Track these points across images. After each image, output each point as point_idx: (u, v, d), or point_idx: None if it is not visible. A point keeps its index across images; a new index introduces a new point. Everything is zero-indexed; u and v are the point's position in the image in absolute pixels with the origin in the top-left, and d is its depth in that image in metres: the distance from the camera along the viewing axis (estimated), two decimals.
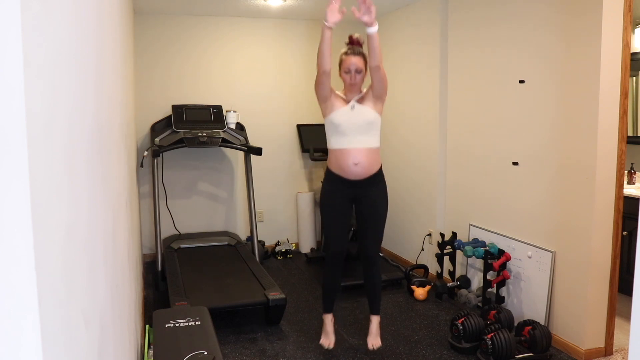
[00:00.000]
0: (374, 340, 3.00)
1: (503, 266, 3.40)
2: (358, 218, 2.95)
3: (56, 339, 0.63)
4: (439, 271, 4.06)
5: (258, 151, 4.43)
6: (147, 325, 2.77)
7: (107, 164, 1.45)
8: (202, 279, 3.70)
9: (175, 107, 4.60)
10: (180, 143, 4.28)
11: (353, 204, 2.92)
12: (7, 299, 0.51)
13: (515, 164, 3.41)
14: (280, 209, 5.28)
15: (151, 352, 2.31)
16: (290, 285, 4.23)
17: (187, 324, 2.37)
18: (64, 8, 0.80)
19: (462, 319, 3.03)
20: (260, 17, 4.97)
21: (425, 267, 4.29)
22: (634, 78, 4.16)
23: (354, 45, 2.83)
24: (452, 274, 3.94)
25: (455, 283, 3.85)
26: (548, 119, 3.13)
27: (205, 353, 2.06)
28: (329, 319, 3.04)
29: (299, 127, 5.19)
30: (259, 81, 5.09)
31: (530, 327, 2.93)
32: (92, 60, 1.16)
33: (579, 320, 2.96)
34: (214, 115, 4.65)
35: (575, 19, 2.89)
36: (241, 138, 4.61)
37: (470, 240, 3.81)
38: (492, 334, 2.81)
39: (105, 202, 1.32)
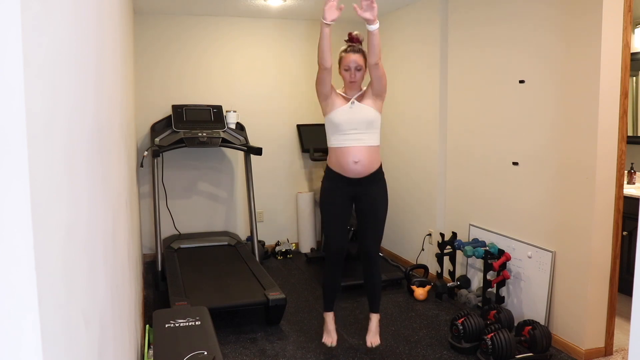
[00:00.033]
0: (373, 338, 3.00)
1: (503, 266, 3.40)
2: (358, 216, 2.95)
3: (56, 339, 0.63)
4: (439, 271, 4.06)
5: (258, 151, 4.43)
6: (147, 325, 2.77)
7: (107, 164, 1.45)
8: (202, 279, 3.70)
9: (175, 107, 4.60)
10: (180, 143, 4.28)
11: (353, 202, 2.92)
12: (7, 299, 0.51)
13: (515, 164, 3.41)
14: (280, 209, 5.28)
15: (151, 352, 2.31)
16: (290, 285, 4.23)
17: (187, 324, 2.37)
18: (64, 8, 0.80)
19: (462, 319, 3.03)
20: (260, 17, 4.97)
21: (425, 267, 4.29)
22: (634, 78, 4.16)
23: (354, 42, 2.83)
24: (452, 274, 3.94)
25: (455, 283, 3.85)
26: (548, 119, 3.13)
27: (205, 353, 2.06)
28: (330, 317, 3.05)
29: (299, 127, 5.19)
30: (259, 81, 5.09)
31: (530, 327, 2.93)
32: (92, 60, 1.16)
33: (579, 320, 2.96)
34: (214, 115, 4.65)
35: (575, 19, 2.89)
36: (241, 138, 4.61)
37: (470, 240, 3.81)
38: (492, 334, 2.81)
39: (105, 202, 1.32)
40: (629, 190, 3.77)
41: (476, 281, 3.80)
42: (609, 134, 2.82)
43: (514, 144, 3.42)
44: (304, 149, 5.09)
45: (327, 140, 2.87)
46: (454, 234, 3.98)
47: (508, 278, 3.39)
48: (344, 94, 2.84)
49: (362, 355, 3.01)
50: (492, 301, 3.43)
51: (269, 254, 4.95)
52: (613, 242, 2.91)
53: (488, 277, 3.47)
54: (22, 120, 0.52)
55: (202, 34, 4.89)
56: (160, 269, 4.13)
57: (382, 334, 3.18)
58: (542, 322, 3.13)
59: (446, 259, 3.99)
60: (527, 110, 3.29)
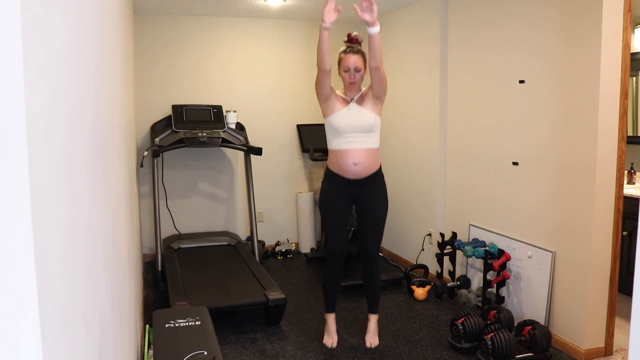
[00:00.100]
0: (372, 339, 3.01)
1: (503, 266, 3.40)
2: (358, 217, 2.95)
3: (56, 339, 0.63)
4: (439, 271, 4.06)
5: (258, 151, 4.43)
6: (147, 325, 2.77)
7: (107, 164, 1.45)
8: (202, 279, 3.70)
9: (175, 107, 4.60)
10: (180, 143, 4.28)
11: (353, 204, 2.92)
12: (7, 299, 0.51)
13: (515, 164, 3.41)
14: (280, 209, 5.28)
15: (151, 352, 2.31)
16: (290, 285, 4.23)
17: (187, 324, 2.37)
18: (64, 8, 0.80)
19: (462, 319, 3.03)
20: (260, 17, 4.97)
21: (425, 267, 4.28)
22: (634, 78, 4.16)
23: (353, 43, 2.83)
24: (452, 274, 3.94)
25: (455, 283, 3.85)
26: (548, 119, 3.13)
27: (205, 353, 2.06)
28: (331, 319, 3.05)
29: (299, 127, 5.19)
30: (259, 81, 5.09)
31: (530, 327, 2.93)
32: (92, 60, 1.16)
33: (579, 320, 2.96)
34: (214, 115, 4.65)
35: (575, 19, 2.89)
36: (241, 138, 4.61)
37: (470, 240, 3.81)
38: (492, 334, 2.81)
39: (105, 202, 1.32)
40: (629, 190, 3.77)
41: (476, 281, 3.80)
42: (609, 134, 2.82)
43: (514, 144, 3.42)
44: (304, 149, 5.09)
45: (327, 143, 2.87)
46: (454, 234, 3.98)
47: (508, 278, 3.40)
48: (343, 96, 2.84)
49: (362, 355, 3.01)
50: (492, 301, 3.43)
51: (269, 254, 4.95)
52: (613, 242, 2.91)
53: (488, 277, 3.47)
54: (22, 120, 0.52)
55: (202, 34, 4.89)
56: (160, 269, 4.13)
57: (382, 334, 3.18)
58: (542, 322, 3.13)
59: (446, 259, 3.99)
60: (527, 110, 3.29)
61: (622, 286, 3.34)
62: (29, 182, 0.53)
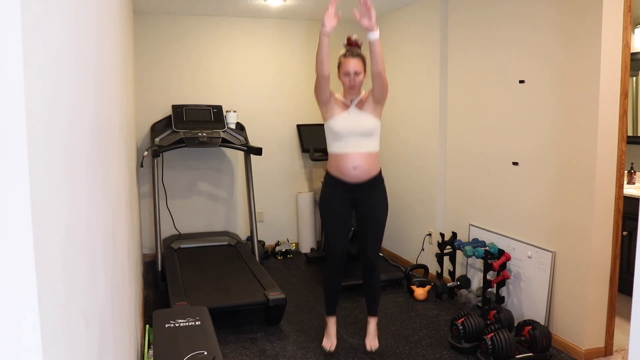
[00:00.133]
0: (372, 342, 3.02)
1: (503, 266, 3.40)
2: (358, 221, 2.95)
3: (56, 339, 0.63)
4: (439, 271, 4.06)
5: (258, 151, 4.43)
6: (147, 325, 2.77)
7: (107, 164, 1.45)
8: (202, 279, 3.70)
9: (175, 107, 4.60)
10: (180, 143, 4.28)
11: (353, 207, 2.92)
12: (7, 299, 0.51)
13: (515, 164, 3.41)
14: (280, 209, 5.28)
15: (151, 352, 2.31)
16: (290, 285, 4.23)
17: (187, 324, 2.37)
18: (64, 8, 0.80)
19: (462, 319, 3.03)
20: (260, 17, 4.98)
21: (425, 267, 4.29)
22: (634, 78, 4.16)
23: (352, 47, 2.82)
24: (452, 274, 3.94)
25: (455, 283, 3.85)
26: (548, 119, 3.13)
27: (205, 353, 2.06)
28: (332, 322, 3.05)
29: (299, 127, 5.19)
30: (259, 81, 5.09)
31: (530, 327, 2.93)
32: (92, 60, 1.16)
33: (579, 320, 2.96)
34: (214, 115, 4.65)
35: (575, 19, 2.89)
36: (241, 138, 4.61)
37: (470, 240, 3.81)
38: (492, 334, 2.81)
39: (105, 202, 1.32)
40: (629, 190, 3.77)
41: (476, 281, 3.80)
42: (609, 134, 2.82)
43: (514, 144, 3.42)
44: (304, 149, 5.09)
45: (327, 146, 2.87)
46: (454, 234, 3.98)
47: (508, 278, 3.40)
48: (343, 99, 2.83)
49: (362, 355, 3.01)
50: (492, 301, 3.43)
51: (269, 254, 4.95)
52: (613, 242, 2.91)
53: (488, 277, 3.47)
54: (22, 120, 0.52)
55: (202, 34, 4.89)
56: (160, 269, 4.13)
57: (382, 334, 3.19)
58: (542, 322, 3.13)
59: (446, 259, 3.99)
60: (527, 110, 3.29)
61: (622, 286, 3.34)
62: (29, 182, 0.53)
